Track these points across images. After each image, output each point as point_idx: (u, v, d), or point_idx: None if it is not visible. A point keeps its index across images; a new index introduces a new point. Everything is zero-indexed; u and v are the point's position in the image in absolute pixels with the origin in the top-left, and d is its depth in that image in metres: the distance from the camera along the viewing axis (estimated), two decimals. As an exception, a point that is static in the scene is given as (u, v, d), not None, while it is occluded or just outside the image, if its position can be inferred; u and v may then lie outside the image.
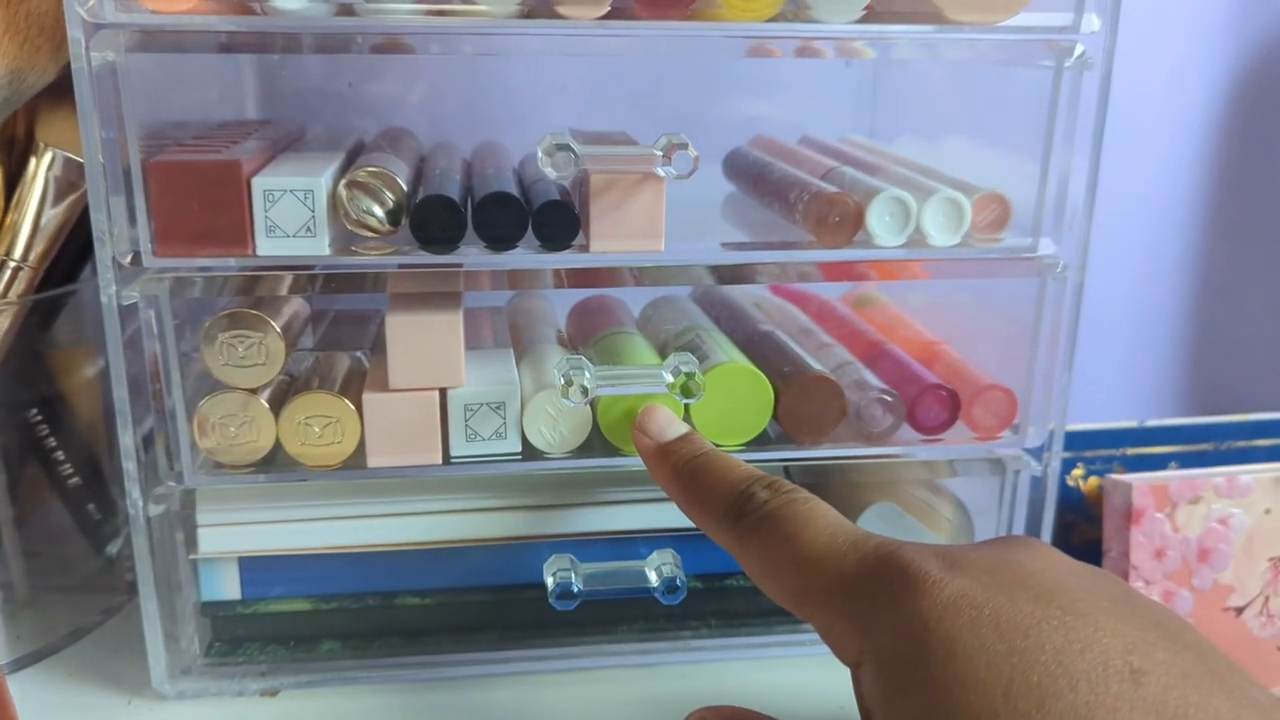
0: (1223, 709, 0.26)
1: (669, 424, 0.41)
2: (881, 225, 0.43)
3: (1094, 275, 0.46)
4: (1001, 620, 0.27)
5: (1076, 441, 0.61)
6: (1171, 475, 0.58)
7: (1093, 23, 0.42)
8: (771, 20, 0.40)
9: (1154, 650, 0.27)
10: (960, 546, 0.31)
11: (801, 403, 0.45)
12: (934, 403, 0.46)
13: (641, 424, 0.41)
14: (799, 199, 0.45)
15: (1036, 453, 0.48)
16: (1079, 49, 0.42)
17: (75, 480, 0.49)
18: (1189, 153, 0.71)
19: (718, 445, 0.45)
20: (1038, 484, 0.48)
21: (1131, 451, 0.62)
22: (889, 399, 0.46)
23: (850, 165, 0.48)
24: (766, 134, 0.58)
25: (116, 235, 0.39)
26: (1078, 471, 0.62)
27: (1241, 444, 0.64)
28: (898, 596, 0.29)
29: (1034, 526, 0.49)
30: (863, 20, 0.40)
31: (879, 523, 0.49)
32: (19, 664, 0.46)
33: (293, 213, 0.39)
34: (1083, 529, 0.62)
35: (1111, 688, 0.26)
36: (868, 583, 0.30)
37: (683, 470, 0.38)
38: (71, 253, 0.46)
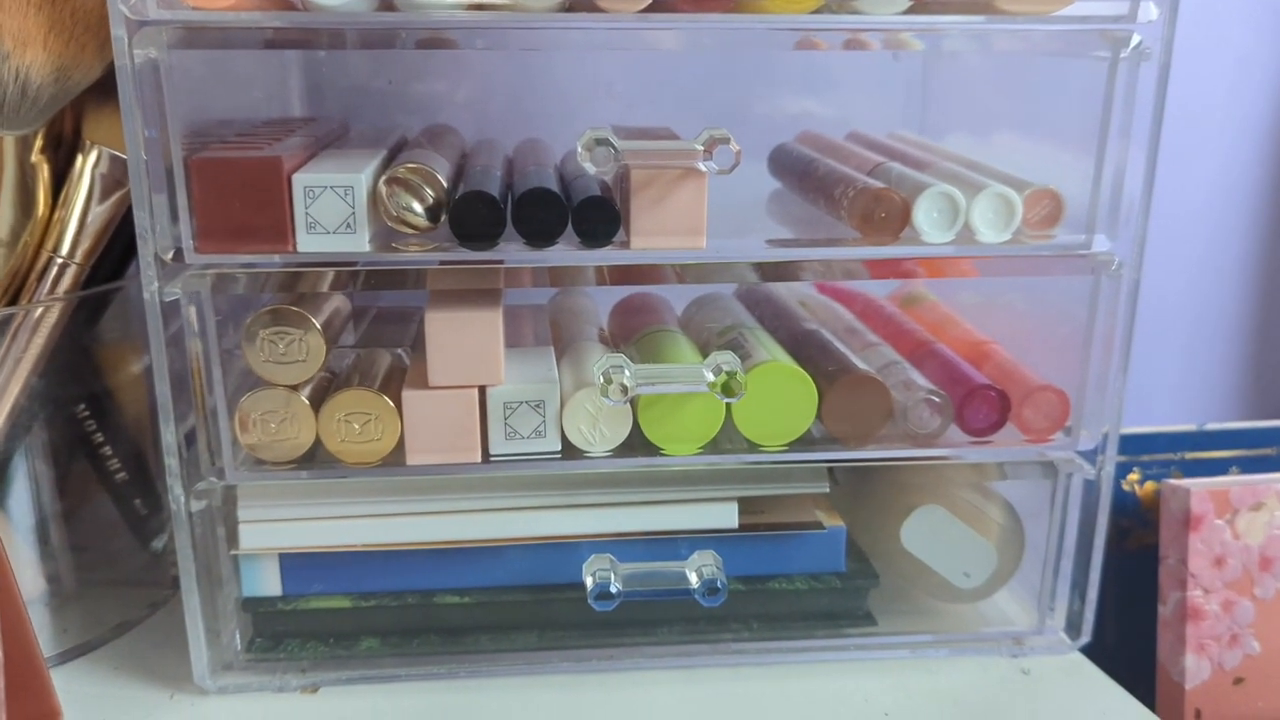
0: None
1: None
2: (929, 221, 0.42)
3: (1151, 272, 0.44)
4: None
5: (1132, 445, 0.60)
6: (1232, 480, 0.56)
7: (1150, 11, 0.40)
8: (816, 12, 0.39)
9: None
10: None
11: (846, 403, 0.44)
12: (983, 404, 0.45)
13: None
14: (844, 195, 0.44)
15: (1090, 456, 0.46)
16: (1136, 39, 0.41)
17: (122, 475, 0.49)
18: (1251, 146, 0.69)
19: (759, 446, 0.44)
20: (1091, 488, 0.47)
21: (1190, 456, 0.61)
22: (937, 399, 0.45)
23: (898, 161, 0.47)
24: (813, 129, 0.58)
25: (159, 232, 0.39)
26: (1133, 476, 0.60)
27: (1306, 448, 0.62)
28: None
29: (1087, 532, 0.47)
30: (911, 11, 0.40)
31: (926, 527, 0.48)
32: (66, 656, 0.47)
33: (333, 209, 0.39)
34: (1138, 535, 0.60)
35: None
36: None
37: None
38: (118, 249, 0.46)
